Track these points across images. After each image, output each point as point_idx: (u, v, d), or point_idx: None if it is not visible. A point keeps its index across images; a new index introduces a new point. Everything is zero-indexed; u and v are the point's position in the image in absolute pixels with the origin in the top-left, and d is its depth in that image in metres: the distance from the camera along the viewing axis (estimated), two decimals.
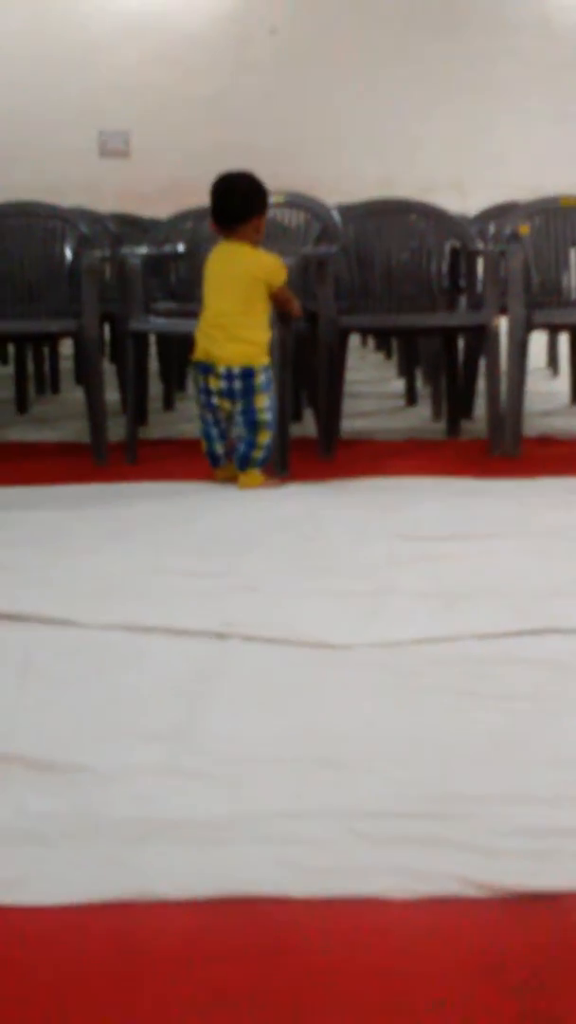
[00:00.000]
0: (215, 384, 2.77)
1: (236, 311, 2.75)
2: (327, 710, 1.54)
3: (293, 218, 3.53)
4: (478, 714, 1.51)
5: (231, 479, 2.84)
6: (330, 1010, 0.97)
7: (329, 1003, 0.98)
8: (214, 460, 2.87)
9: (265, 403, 2.77)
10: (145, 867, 1.16)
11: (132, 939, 1.07)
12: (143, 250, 3.56)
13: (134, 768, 1.37)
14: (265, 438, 2.79)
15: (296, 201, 3.52)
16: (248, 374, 2.75)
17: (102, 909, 1.11)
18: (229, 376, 2.75)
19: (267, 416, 2.78)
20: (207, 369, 2.78)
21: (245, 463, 2.81)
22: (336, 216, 3.49)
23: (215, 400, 2.79)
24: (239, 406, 2.77)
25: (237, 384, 2.75)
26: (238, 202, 2.80)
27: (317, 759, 1.39)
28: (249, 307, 2.76)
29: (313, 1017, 0.97)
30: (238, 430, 2.79)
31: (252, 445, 2.79)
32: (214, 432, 2.84)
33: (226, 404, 2.78)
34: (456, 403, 3.55)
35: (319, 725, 1.48)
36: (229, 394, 2.77)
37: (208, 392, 2.80)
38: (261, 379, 2.76)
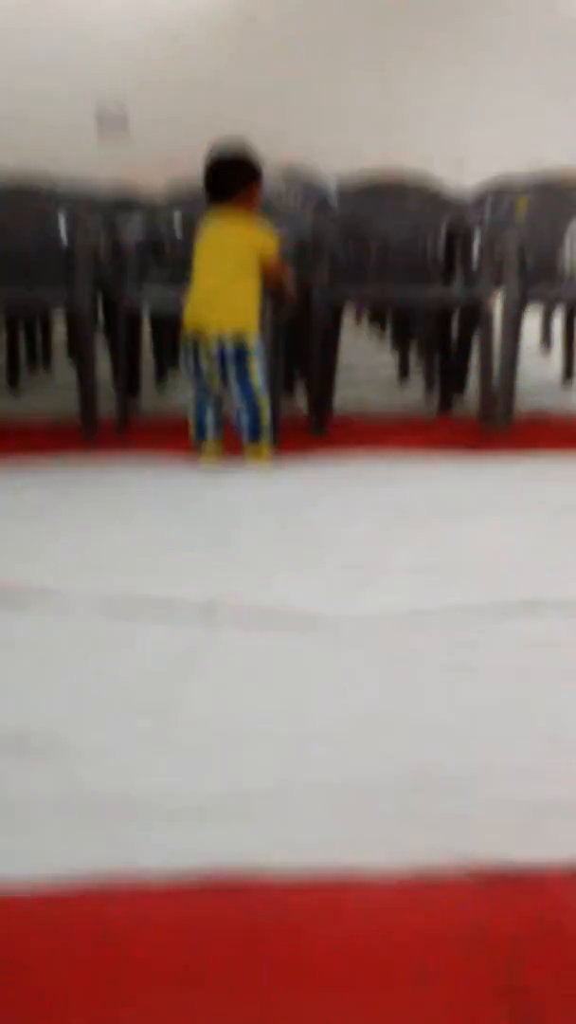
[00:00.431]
0: (205, 351, 2.75)
1: (227, 280, 2.73)
2: (313, 685, 1.54)
3: (289, 190, 3.51)
4: (465, 688, 1.52)
5: (216, 459, 2.80)
6: (313, 984, 0.98)
7: (312, 977, 0.98)
8: (201, 432, 2.82)
9: (256, 367, 2.75)
10: (129, 842, 1.16)
11: (113, 916, 1.07)
12: (138, 226, 3.53)
13: (119, 743, 1.37)
14: (265, 403, 2.77)
15: (292, 173, 3.50)
16: (240, 340, 2.73)
17: (85, 884, 1.10)
18: (221, 342, 2.73)
19: (260, 380, 2.76)
20: (199, 336, 2.75)
21: (256, 434, 2.78)
22: (332, 187, 3.46)
23: (204, 366, 2.76)
24: (232, 373, 2.73)
25: (229, 349, 2.72)
26: (229, 175, 2.78)
27: (303, 734, 1.39)
28: (240, 276, 2.74)
29: (296, 991, 0.97)
30: (236, 401, 2.76)
31: (256, 415, 2.76)
32: (208, 399, 2.80)
33: (215, 372, 2.75)
34: (448, 380, 3.54)
35: (305, 700, 1.49)
36: (220, 361, 2.73)
37: (197, 360, 2.77)
38: (253, 345, 2.75)
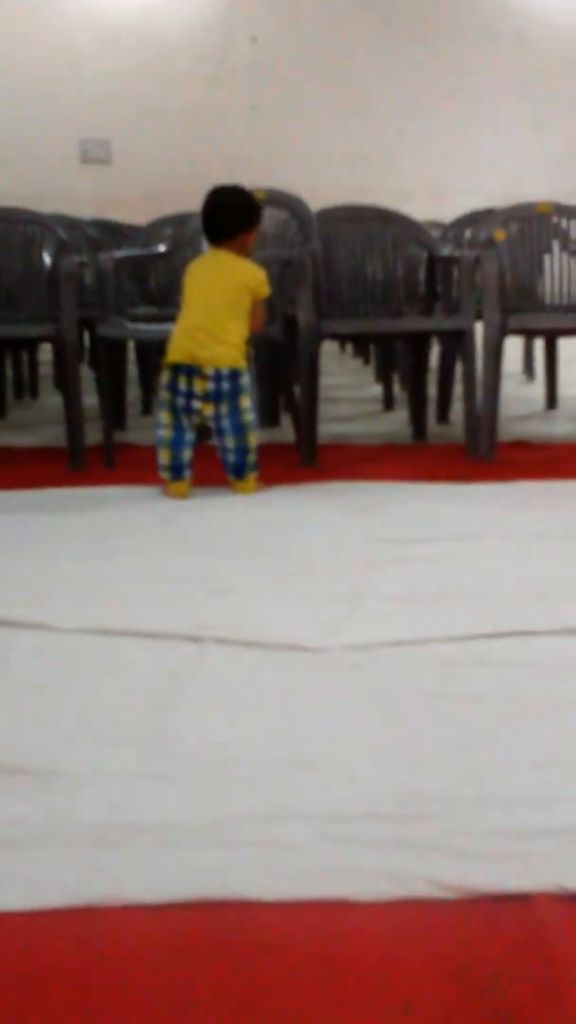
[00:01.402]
0: (201, 386, 2.73)
1: (223, 316, 2.74)
2: (300, 713, 1.53)
3: (272, 216, 3.53)
4: (451, 716, 1.50)
5: (181, 495, 2.78)
6: (298, 1012, 0.97)
7: (297, 1005, 0.98)
8: (177, 471, 2.78)
9: (248, 403, 2.77)
10: (116, 871, 1.16)
11: (102, 943, 1.06)
12: (121, 254, 3.56)
13: (106, 771, 1.35)
14: (254, 439, 2.79)
15: (276, 198, 3.52)
16: (235, 375, 2.74)
17: (73, 913, 1.10)
18: (218, 377, 2.73)
19: (251, 416, 2.78)
20: (191, 371, 2.74)
21: (242, 470, 2.78)
22: (312, 215, 3.49)
23: (196, 403, 2.74)
24: (224, 408, 2.74)
25: (225, 385, 2.73)
26: (232, 220, 2.80)
27: (289, 762, 1.38)
28: (235, 313, 2.76)
29: (282, 1019, 0.96)
30: (225, 439, 2.76)
31: (245, 450, 2.77)
32: (186, 438, 2.78)
33: (209, 407, 2.74)
34: (421, 408, 3.55)
35: (292, 728, 1.48)
36: (216, 396, 2.73)
37: (190, 395, 2.74)
38: (245, 380, 2.76)
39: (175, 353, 2.76)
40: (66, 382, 3.30)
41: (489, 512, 2.61)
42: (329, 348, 4.07)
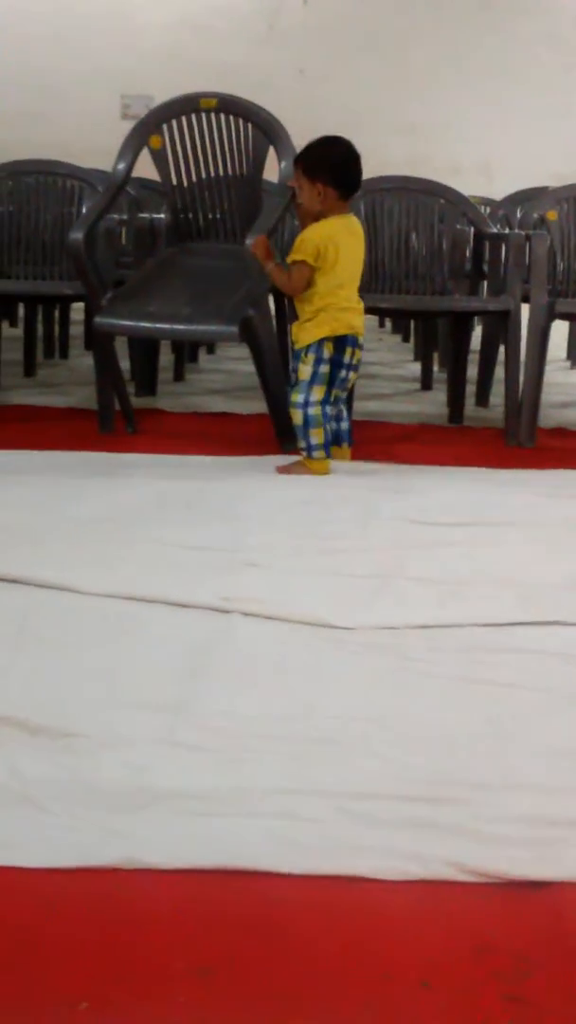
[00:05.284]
0: (357, 356, 2.73)
1: (357, 284, 2.74)
2: (326, 689, 1.51)
3: (227, 127, 3.36)
4: (478, 701, 1.48)
5: (328, 471, 2.71)
6: (314, 985, 0.96)
7: (313, 978, 0.97)
8: (328, 448, 2.73)
9: None
10: (137, 835, 1.15)
11: (121, 906, 1.05)
12: (161, 215, 3.49)
13: (129, 737, 1.35)
14: None
15: (231, 106, 3.38)
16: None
17: (92, 874, 1.09)
18: (363, 346, 2.77)
19: None
20: (355, 342, 2.71)
21: (351, 436, 2.83)
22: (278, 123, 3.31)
23: (350, 375, 2.74)
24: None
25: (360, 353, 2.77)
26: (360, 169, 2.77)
27: (314, 737, 1.36)
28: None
29: (297, 991, 0.95)
30: (342, 407, 2.78)
31: (349, 415, 2.84)
32: (329, 412, 2.74)
33: (355, 376, 2.77)
34: (461, 390, 3.47)
35: (315, 704, 1.46)
36: (358, 366, 2.76)
37: (349, 367, 2.72)
38: None
39: (338, 326, 2.68)
40: (98, 343, 3.23)
41: (525, 499, 2.56)
42: (368, 322, 3.98)
